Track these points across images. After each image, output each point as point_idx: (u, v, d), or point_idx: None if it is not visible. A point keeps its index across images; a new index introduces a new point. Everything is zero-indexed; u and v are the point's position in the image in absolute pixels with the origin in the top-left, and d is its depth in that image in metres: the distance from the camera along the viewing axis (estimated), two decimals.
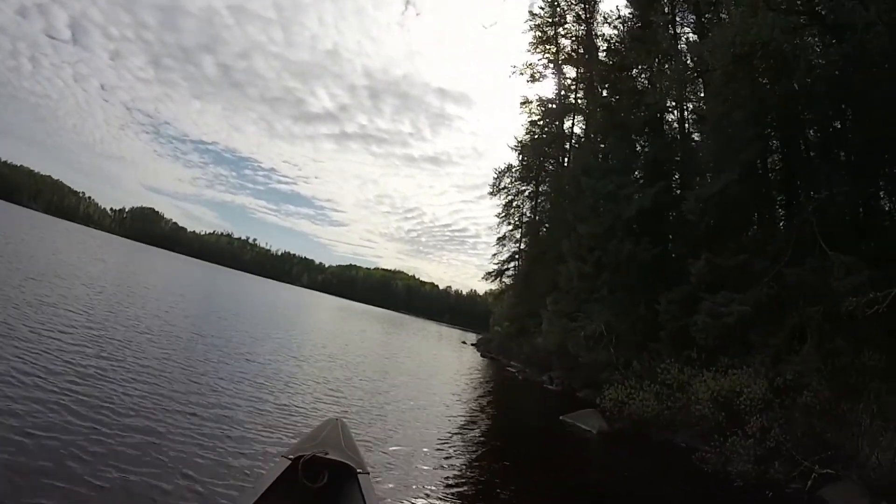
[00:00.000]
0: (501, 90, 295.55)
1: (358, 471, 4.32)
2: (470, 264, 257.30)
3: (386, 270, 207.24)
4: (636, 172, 20.50)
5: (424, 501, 6.11)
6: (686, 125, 21.71)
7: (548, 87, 65.39)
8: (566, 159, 39.62)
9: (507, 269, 50.69)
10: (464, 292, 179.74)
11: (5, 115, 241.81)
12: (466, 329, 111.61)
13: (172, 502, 4.62)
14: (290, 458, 4.22)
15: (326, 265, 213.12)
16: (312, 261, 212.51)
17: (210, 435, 6.45)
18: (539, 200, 49.25)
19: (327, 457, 4.31)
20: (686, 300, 15.44)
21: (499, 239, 51.30)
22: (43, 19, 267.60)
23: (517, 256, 50.60)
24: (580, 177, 21.69)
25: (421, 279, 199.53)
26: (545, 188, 48.44)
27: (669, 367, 13.47)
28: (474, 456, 8.79)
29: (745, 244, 15.24)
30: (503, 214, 51.01)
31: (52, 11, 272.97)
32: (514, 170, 50.32)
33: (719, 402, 11.29)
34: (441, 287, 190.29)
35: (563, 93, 42.83)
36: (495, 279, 51.19)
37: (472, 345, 44.34)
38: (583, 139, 34.16)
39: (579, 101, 39.43)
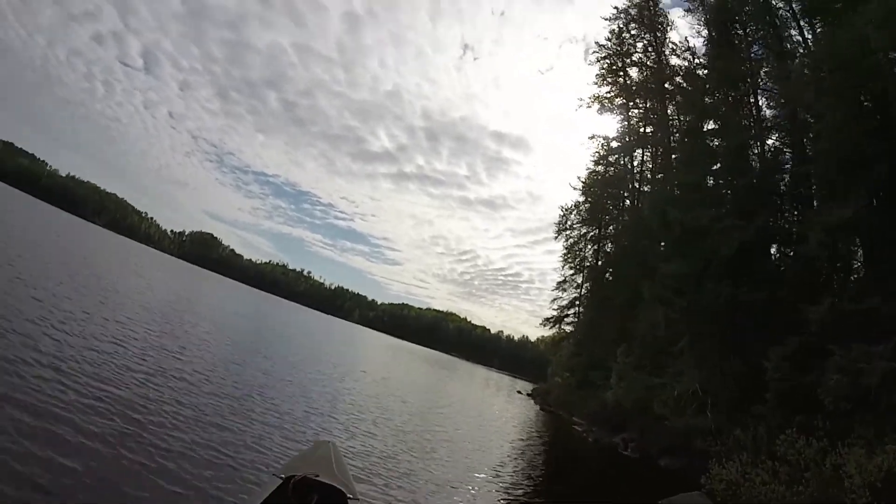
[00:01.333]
0: (557, 136, 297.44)
1: (348, 496, 4.20)
2: (522, 310, 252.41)
3: (437, 311, 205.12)
4: (728, 205, 17.84)
5: None
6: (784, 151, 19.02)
7: (612, 125, 62.71)
8: (635, 199, 37.02)
9: (567, 315, 47.90)
10: (515, 338, 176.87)
11: (77, 134, 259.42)
12: (516, 376, 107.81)
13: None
14: (281, 478, 4.15)
15: (379, 302, 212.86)
16: (365, 297, 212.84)
17: (217, 452, 6.43)
18: (602, 244, 46.75)
19: (318, 479, 4.20)
20: (800, 354, 12.66)
21: (559, 283, 48.60)
22: (117, 47, 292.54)
23: (578, 302, 47.82)
24: (664, 209, 19.04)
25: (472, 322, 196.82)
26: (610, 230, 46.08)
27: (791, 438, 10.67)
28: None
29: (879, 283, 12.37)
30: (565, 257, 48.75)
31: (127, 40, 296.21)
32: (579, 209, 48.24)
33: (878, 488, 8.46)
34: (492, 331, 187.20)
35: (631, 124, 40.58)
36: (554, 325, 48.36)
37: (528, 394, 41.19)
38: (658, 174, 31.69)
39: (648, 134, 37.13)
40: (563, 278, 48.38)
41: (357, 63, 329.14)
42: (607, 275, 37.37)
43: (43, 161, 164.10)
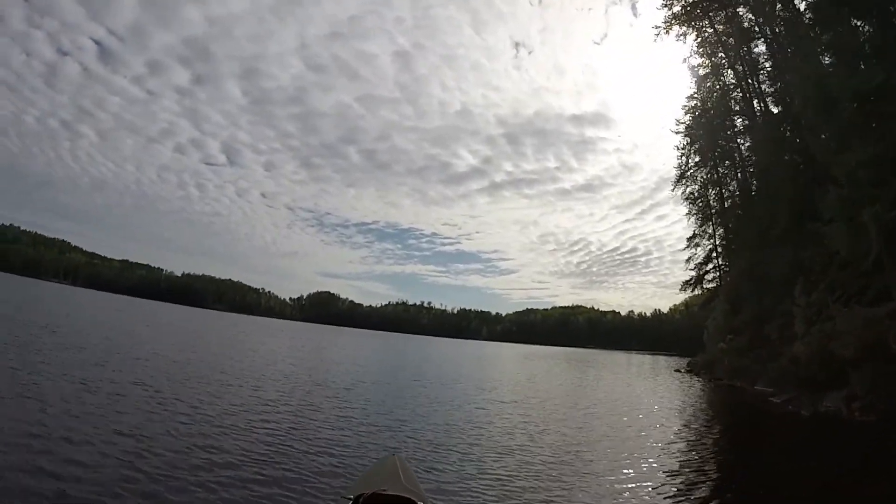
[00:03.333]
0: (634, 101, 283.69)
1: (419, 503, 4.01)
2: (647, 284, 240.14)
3: (564, 308, 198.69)
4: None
5: None
6: None
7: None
8: (754, 109, 31.00)
9: (706, 271, 42.32)
10: (647, 314, 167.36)
11: (184, 237, 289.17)
12: (661, 353, 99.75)
13: None
14: (349, 499, 4.14)
15: (504, 314, 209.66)
16: (489, 312, 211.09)
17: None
18: (724, 184, 40.79)
19: (387, 493, 4.08)
20: None
21: (689, 239, 43.42)
22: (199, 152, 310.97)
23: (715, 255, 41.97)
24: (820, 85, 13.99)
25: (600, 310, 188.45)
26: (727, 165, 40.06)
27: None
28: None
29: None
30: (689, 209, 43.58)
31: (206, 143, 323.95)
32: (689, 153, 42.99)
33: None
34: (622, 314, 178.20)
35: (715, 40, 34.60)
36: (695, 287, 43.19)
37: (687, 370, 35.36)
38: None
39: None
40: (692, 233, 43.19)
41: (420, 94, 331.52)
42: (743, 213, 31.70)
43: (159, 268, 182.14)
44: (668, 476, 7.92)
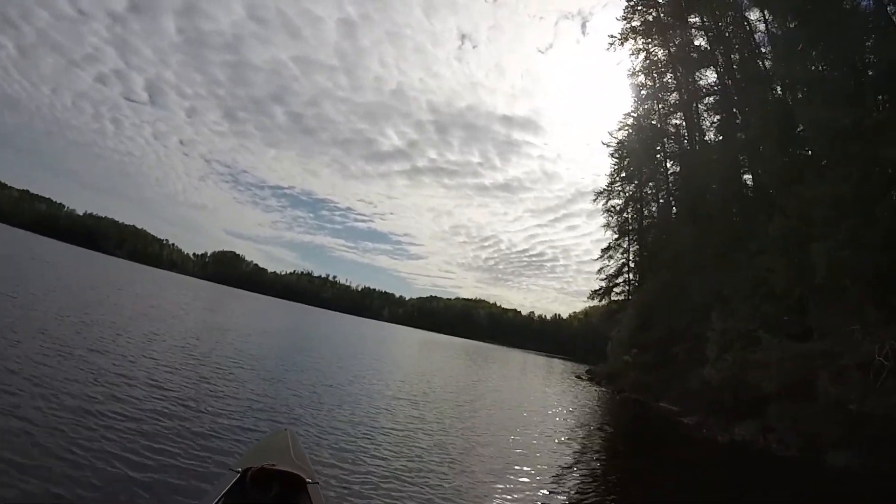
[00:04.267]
0: (565, 113, 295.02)
1: (308, 481, 4.08)
2: (550, 288, 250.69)
3: (467, 300, 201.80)
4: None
5: None
6: None
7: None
8: (693, 140, 31.70)
9: (616, 284, 43.33)
10: (547, 317, 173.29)
11: (92, 173, 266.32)
12: (557, 356, 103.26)
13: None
14: (237, 471, 4.00)
15: (407, 298, 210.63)
16: (393, 294, 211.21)
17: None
18: (645, 203, 41.94)
19: (276, 468, 4.05)
20: None
21: (603, 251, 44.02)
22: (121, 84, 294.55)
23: (626, 269, 43.11)
24: (787, 106, 13.87)
25: (502, 306, 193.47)
26: (650, 188, 41.24)
27: None
28: None
29: None
30: (608, 221, 44.22)
31: (130, 76, 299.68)
32: (617, 169, 43.82)
33: None
34: (523, 313, 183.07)
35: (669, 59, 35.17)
36: (603, 297, 43.98)
37: (589, 378, 35.98)
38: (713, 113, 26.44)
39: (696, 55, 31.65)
40: (608, 245, 44.03)
41: (358, 66, 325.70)
42: (660, 235, 32.49)
43: (60, 204, 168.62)
44: (573, 483, 7.86)
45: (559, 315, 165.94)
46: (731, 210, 20.83)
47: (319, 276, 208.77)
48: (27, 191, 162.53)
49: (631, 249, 42.70)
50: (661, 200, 38.72)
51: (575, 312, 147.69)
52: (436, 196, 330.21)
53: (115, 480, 5.04)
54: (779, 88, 17.59)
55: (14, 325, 10.72)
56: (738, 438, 13.30)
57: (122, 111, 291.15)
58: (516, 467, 8.34)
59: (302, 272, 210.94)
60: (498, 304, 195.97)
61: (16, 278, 19.53)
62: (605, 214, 44.11)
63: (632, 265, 42.34)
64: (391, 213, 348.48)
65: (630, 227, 43.06)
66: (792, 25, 16.69)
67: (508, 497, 6.87)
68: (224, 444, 6.74)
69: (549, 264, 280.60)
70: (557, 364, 64.87)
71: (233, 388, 10.22)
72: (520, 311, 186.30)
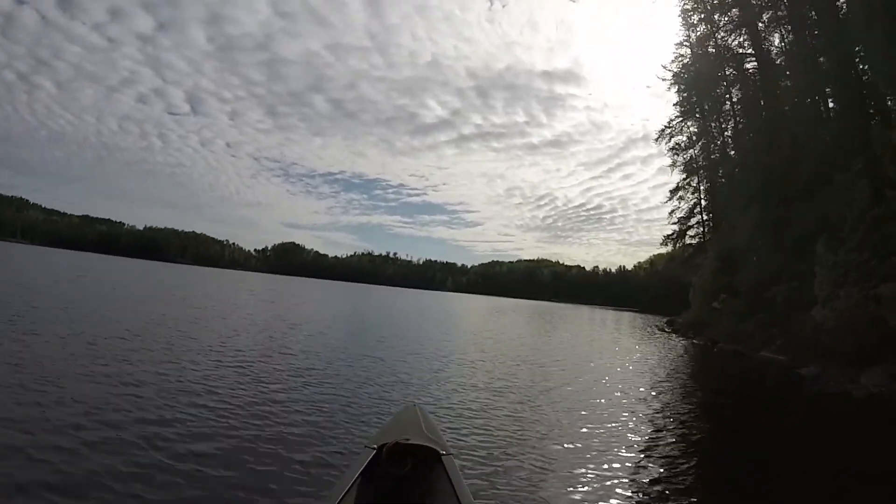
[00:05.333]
0: (606, 61, 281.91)
1: (442, 453, 4.02)
2: (611, 241, 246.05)
3: (529, 261, 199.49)
4: None
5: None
6: None
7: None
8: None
9: (690, 226, 40.78)
10: (612, 270, 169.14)
11: (146, 189, 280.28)
12: (622, 309, 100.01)
13: (266, 495, 4.68)
14: (373, 448, 4.02)
15: (469, 266, 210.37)
16: (454, 264, 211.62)
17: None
18: (712, 137, 38.82)
19: (409, 442, 4.02)
20: None
21: (671, 192, 41.44)
22: (161, 101, 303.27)
23: (698, 209, 40.42)
24: None
25: (565, 264, 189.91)
26: (715, 120, 38.05)
27: None
28: None
29: None
30: (674, 160, 41.53)
31: (168, 91, 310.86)
32: (678, 103, 40.82)
33: None
34: (587, 269, 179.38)
35: None
36: (677, 241, 41.59)
37: (673, 330, 33.66)
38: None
39: None
40: (675, 185, 41.37)
41: (390, 44, 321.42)
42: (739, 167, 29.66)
43: (120, 222, 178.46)
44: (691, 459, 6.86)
45: (624, 267, 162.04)
46: (822, 130, 18.29)
47: (380, 255, 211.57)
48: (87, 215, 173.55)
49: (702, 188, 39.98)
50: (730, 131, 35.79)
51: (640, 262, 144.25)
52: (486, 161, 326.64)
53: (256, 461, 5.36)
54: None
55: (109, 338, 11.09)
56: (873, 390, 11.36)
57: (167, 125, 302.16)
58: (625, 433, 7.94)
59: (362, 253, 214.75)
60: (560, 262, 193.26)
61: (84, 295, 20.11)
62: (670, 153, 41.42)
63: (704, 205, 39.67)
64: (443, 184, 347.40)
65: (698, 165, 40.24)
66: None
67: (623, 466, 6.47)
68: (353, 423, 7.10)
69: (607, 216, 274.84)
70: (631, 317, 62.52)
71: (350, 371, 10.83)
72: (583, 267, 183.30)
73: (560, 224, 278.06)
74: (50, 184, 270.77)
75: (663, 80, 41.76)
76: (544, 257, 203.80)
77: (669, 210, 41.13)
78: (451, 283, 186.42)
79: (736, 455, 7.37)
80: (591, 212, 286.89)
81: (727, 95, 35.36)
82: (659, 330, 35.37)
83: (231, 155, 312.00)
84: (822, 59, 19.91)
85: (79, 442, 5.26)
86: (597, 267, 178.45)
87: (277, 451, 5.73)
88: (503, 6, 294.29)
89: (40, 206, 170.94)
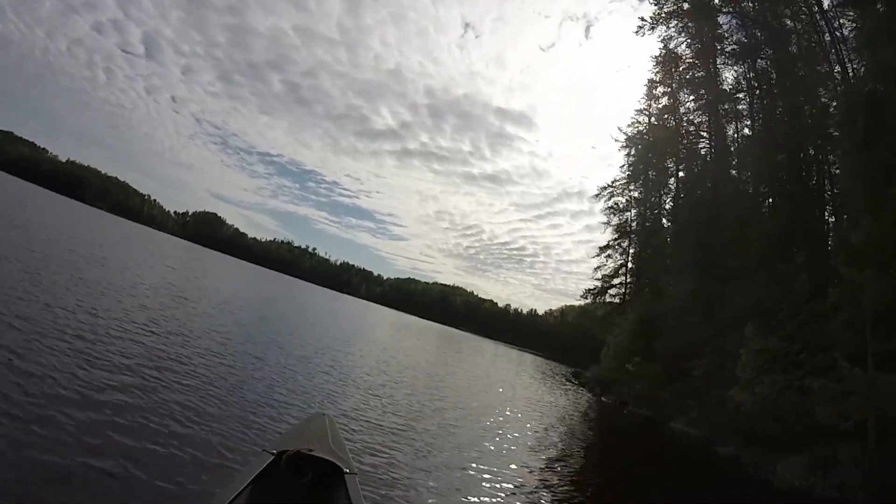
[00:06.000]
0: (561, 112, 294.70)
1: (345, 471, 3.88)
2: (528, 283, 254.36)
3: (444, 285, 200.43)
4: None
5: None
6: None
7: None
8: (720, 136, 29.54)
9: (612, 285, 41.51)
10: (523, 311, 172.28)
11: (80, 121, 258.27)
12: (526, 350, 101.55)
13: (148, 495, 4.31)
14: (272, 453, 3.83)
15: (385, 277, 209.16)
16: (371, 272, 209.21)
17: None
18: (651, 207, 40.04)
19: (312, 454, 3.87)
20: None
21: (601, 248, 41.95)
22: (118, 35, 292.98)
23: (624, 271, 41.32)
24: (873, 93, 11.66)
25: (479, 296, 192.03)
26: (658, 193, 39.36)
27: None
28: None
29: None
30: (609, 218, 42.31)
31: (127, 28, 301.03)
32: (625, 165, 41.96)
33: None
34: (499, 305, 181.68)
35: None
36: (598, 297, 42.12)
37: (580, 384, 33.51)
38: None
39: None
40: (606, 243, 42.10)
41: (359, 43, 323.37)
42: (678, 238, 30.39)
43: (44, 149, 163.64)
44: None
45: (535, 310, 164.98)
46: (768, 218, 18.86)
47: (299, 247, 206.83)
48: (11, 132, 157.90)
49: (630, 251, 40.94)
50: (670, 204, 37.10)
51: (551, 310, 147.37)
52: (423, 180, 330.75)
53: (143, 458, 4.89)
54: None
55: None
56: (796, 483, 11.11)
57: (117, 62, 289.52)
58: (523, 477, 8.02)
59: (282, 241, 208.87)
60: (475, 293, 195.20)
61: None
62: (607, 212, 42.22)
63: (630, 267, 40.60)
64: (377, 192, 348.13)
65: (631, 229, 41.26)
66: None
67: None
68: (255, 424, 6.78)
69: (528, 259, 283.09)
70: (538, 361, 63.04)
71: (258, 368, 10.31)
72: (496, 302, 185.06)
73: (482, 256, 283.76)
74: None
75: (616, 140, 43.02)
76: (460, 285, 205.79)
77: (595, 266, 41.67)
78: (366, 291, 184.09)
79: None
80: (514, 251, 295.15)
81: (675, 169, 36.56)
82: (566, 380, 35.37)
83: (174, 110, 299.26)
84: (780, 156, 20.57)
85: None
86: (509, 305, 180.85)
87: (170, 446, 5.28)
88: (476, 37, 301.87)
89: None
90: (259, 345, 13.15)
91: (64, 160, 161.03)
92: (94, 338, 8.22)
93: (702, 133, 33.53)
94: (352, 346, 20.82)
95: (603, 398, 25.01)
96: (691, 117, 35.00)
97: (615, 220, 41.87)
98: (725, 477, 11.99)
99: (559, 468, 9.15)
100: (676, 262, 24.66)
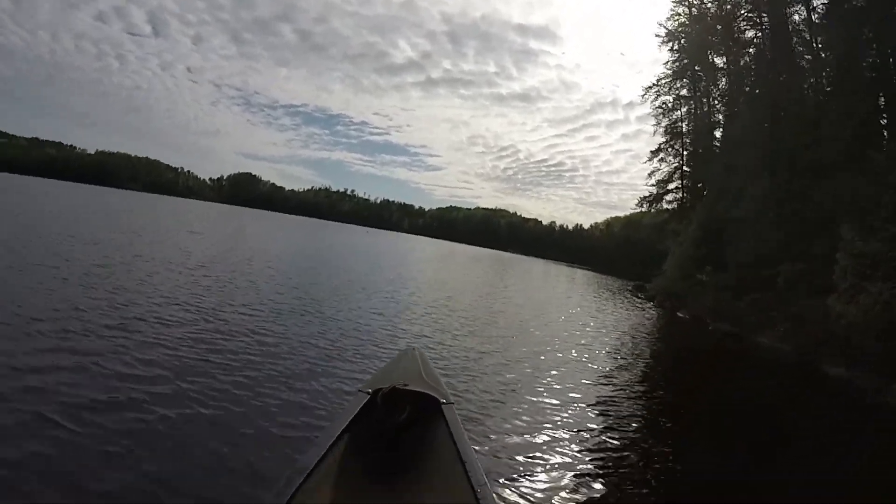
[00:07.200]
0: (583, 20, 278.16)
1: (442, 401, 3.82)
2: (569, 198, 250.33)
3: (486, 209, 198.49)
4: None
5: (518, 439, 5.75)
6: None
7: None
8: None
9: (668, 190, 39.42)
10: (568, 227, 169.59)
11: (100, 112, 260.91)
12: (575, 266, 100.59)
13: (252, 442, 4.64)
14: (368, 392, 3.82)
15: (426, 209, 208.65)
16: (412, 206, 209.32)
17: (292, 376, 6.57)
18: (700, 104, 37.01)
19: (407, 388, 3.81)
20: None
21: (653, 152, 39.60)
22: (121, 20, 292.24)
23: (677, 175, 39.00)
24: None
25: (523, 216, 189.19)
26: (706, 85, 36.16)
27: None
28: None
29: None
30: (658, 120, 39.74)
31: (130, 11, 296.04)
32: (666, 64, 38.92)
33: None
34: (544, 223, 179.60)
35: None
36: (653, 204, 40.25)
37: (647, 297, 31.68)
38: None
39: None
40: (657, 147, 39.67)
41: None
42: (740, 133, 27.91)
43: (71, 146, 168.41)
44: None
45: (581, 225, 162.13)
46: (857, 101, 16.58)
47: (337, 191, 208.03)
48: (36, 138, 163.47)
49: (684, 154, 38.43)
50: (722, 100, 34.26)
51: (596, 223, 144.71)
52: (452, 107, 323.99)
53: (245, 404, 5.39)
54: None
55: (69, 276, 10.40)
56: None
57: (126, 46, 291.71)
58: (628, 392, 8.15)
59: (319, 188, 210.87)
60: (518, 214, 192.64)
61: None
62: (655, 112, 39.56)
63: (685, 170, 38.23)
64: (407, 126, 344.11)
65: (682, 130, 38.59)
66: None
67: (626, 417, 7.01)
68: (351, 366, 7.28)
69: (568, 174, 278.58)
70: (587, 275, 61.97)
71: (336, 314, 10.98)
72: (540, 221, 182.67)
73: (520, 176, 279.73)
74: None
75: (657, 35, 39.63)
76: (502, 207, 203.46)
77: (649, 171, 39.57)
78: (408, 225, 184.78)
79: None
80: (552, 168, 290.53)
81: (727, 61, 33.53)
82: (631, 295, 34.01)
83: (192, 81, 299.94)
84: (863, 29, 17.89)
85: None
86: (553, 222, 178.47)
87: (266, 396, 5.69)
88: None
89: None
90: (319, 295, 13.57)
91: (92, 152, 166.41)
92: (189, 316, 8.81)
93: (754, 16, 30.23)
94: (408, 280, 21.74)
95: (679, 313, 23.67)
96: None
97: (664, 121, 39.30)
98: (838, 401, 10.77)
99: (650, 391, 8.95)
100: (743, 161, 22.45)
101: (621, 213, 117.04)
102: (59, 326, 6.92)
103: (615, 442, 6.11)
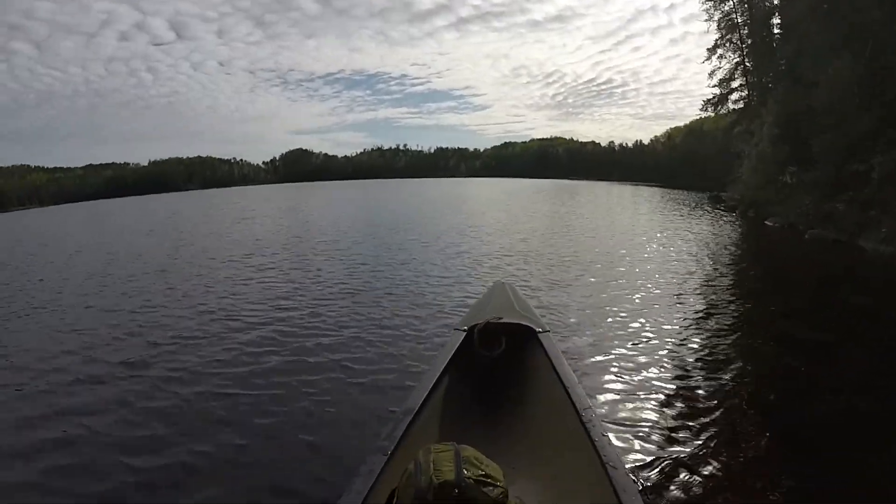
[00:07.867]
0: None
1: (537, 330, 3.91)
2: (624, 115, 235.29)
3: (542, 139, 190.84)
4: None
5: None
6: None
7: None
8: None
9: (733, 89, 36.59)
10: (628, 145, 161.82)
11: (144, 125, 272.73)
12: (640, 184, 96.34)
13: (359, 390, 5.36)
14: (464, 329, 3.96)
15: (481, 149, 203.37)
16: (466, 149, 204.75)
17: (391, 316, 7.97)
18: None
19: (502, 321, 3.95)
20: None
21: (709, 50, 36.83)
22: (145, 34, 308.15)
23: (739, 71, 35.97)
24: None
25: (580, 140, 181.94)
26: None
27: None
28: None
29: None
30: (710, 16, 36.56)
31: (150, 23, 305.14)
32: None
33: None
34: (603, 144, 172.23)
35: None
36: (719, 106, 37.74)
37: (727, 209, 29.61)
38: None
39: None
40: (713, 43, 36.68)
41: None
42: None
43: (125, 163, 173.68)
44: None
45: (640, 141, 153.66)
46: None
47: (390, 148, 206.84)
48: (90, 164, 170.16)
49: (744, 47, 35.22)
50: None
51: (657, 136, 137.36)
52: (488, 42, 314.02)
53: (346, 350, 6.40)
54: None
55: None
56: None
57: (155, 57, 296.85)
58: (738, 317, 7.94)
59: (372, 149, 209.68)
60: (574, 139, 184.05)
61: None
62: (705, 4, 36.31)
63: (748, 65, 35.12)
64: (447, 70, 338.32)
65: (737, 21, 35.19)
66: None
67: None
68: (443, 308, 7.96)
69: (619, 90, 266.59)
70: (654, 192, 58.53)
71: (421, 262, 12.24)
72: (598, 143, 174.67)
73: (570, 101, 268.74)
74: (48, 145, 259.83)
75: None
76: (557, 135, 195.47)
77: (709, 71, 36.77)
78: (465, 169, 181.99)
79: None
80: (602, 86, 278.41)
81: None
82: (709, 207, 31.89)
83: (225, 73, 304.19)
84: None
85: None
86: (612, 142, 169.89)
87: (368, 343, 6.47)
88: None
89: (43, 167, 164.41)
90: (395, 248, 15.24)
91: (146, 163, 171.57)
92: (284, 293, 10.27)
93: None
94: (479, 219, 23.28)
95: (767, 222, 21.91)
96: None
97: (717, 14, 36.08)
98: None
99: (755, 317, 8.40)
100: (819, 43, 20.10)
101: (681, 123, 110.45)
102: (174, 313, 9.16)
103: (719, 362, 6.03)
